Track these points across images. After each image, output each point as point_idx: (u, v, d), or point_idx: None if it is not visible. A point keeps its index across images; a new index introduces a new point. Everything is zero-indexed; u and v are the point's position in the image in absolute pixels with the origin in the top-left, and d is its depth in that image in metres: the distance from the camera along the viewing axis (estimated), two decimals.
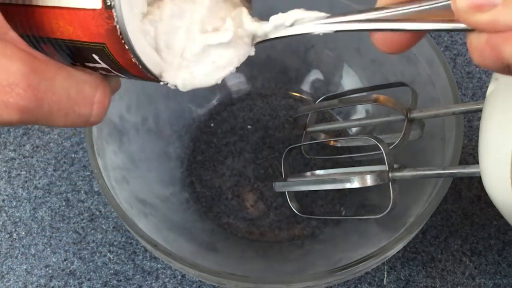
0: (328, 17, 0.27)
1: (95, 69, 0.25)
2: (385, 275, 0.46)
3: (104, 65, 0.24)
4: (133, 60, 0.23)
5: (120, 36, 0.22)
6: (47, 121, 0.23)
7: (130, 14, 0.22)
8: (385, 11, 0.23)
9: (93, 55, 0.23)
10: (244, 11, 0.28)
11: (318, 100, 0.49)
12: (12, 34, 0.22)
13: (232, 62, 0.27)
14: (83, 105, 0.24)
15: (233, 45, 0.27)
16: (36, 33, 0.23)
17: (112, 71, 0.24)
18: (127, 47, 0.22)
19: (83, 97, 0.23)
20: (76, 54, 0.24)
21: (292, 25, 0.28)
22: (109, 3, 0.21)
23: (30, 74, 0.21)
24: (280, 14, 0.28)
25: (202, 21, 0.26)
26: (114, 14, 0.21)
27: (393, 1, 0.23)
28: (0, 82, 0.21)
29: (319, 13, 0.27)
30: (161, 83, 0.26)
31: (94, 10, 0.22)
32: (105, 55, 0.23)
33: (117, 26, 0.22)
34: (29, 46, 0.22)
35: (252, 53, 0.28)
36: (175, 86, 0.26)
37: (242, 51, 0.28)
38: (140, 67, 0.24)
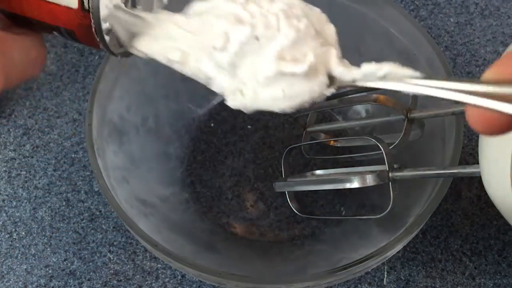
0: (424, 78, 0.24)
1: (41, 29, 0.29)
2: (385, 275, 0.46)
3: (57, 35, 0.28)
4: (98, 44, 0.27)
5: (94, 32, 0.25)
6: (8, 85, 0.28)
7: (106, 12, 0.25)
8: (491, 86, 0.19)
9: (54, 32, 0.27)
10: (333, 52, 0.28)
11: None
12: None
13: (302, 96, 0.27)
14: (33, 66, 0.29)
15: (308, 79, 0.27)
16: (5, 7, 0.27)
17: (66, 39, 0.28)
18: (98, 39, 0.26)
19: (32, 61, 0.29)
20: (33, 25, 0.28)
21: (384, 77, 0.26)
22: (86, 8, 0.24)
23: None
24: (373, 63, 0.26)
25: (282, 50, 0.27)
26: (91, 16, 0.25)
27: (502, 79, 0.19)
28: None
29: (414, 72, 0.25)
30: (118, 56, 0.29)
31: (69, 8, 0.25)
32: (67, 34, 0.27)
33: (93, 25, 0.25)
34: None
35: (328, 93, 0.28)
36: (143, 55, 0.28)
37: (317, 88, 0.27)
38: (103, 47, 0.27)
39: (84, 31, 0.26)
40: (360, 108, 0.51)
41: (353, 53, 0.49)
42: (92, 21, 0.25)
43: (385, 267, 0.46)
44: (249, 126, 0.52)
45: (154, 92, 0.48)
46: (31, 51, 0.29)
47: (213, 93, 0.52)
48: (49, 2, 0.25)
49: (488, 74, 0.19)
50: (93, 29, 0.25)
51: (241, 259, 0.45)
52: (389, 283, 0.46)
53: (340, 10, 0.47)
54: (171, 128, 0.50)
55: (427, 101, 0.42)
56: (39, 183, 0.50)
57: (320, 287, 0.39)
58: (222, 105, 0.53)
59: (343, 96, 0.47)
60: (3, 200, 0.50)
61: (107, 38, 0.26)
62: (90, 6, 0.24)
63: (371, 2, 0.45)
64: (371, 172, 0.40)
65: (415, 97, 0.41)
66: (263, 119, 0.52)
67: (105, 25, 0.26)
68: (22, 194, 0.50)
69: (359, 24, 0.47)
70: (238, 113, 0.53)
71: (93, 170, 0.38)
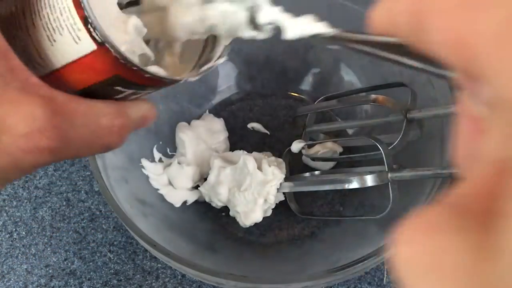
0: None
1: (125, 98, 0.27)
2: (385, 275, 0.46)
3: (129, 91, 0.26)
4: (146, 76, 0.25)
5: (124, 63, 0.24)
6: (75, 155, 0.25)
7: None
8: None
9: (115, 87, 0.26)
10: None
11: (318, 101, 0.49)
12: (34, 80, 0.23)
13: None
14: (103, 136, 0.26)
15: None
16: (63, 89, 0.25)
17: (138, 91, 0.27)
18: (135, 68, 0.24)
19: (102, 129, 0.25)
20: (101, 94, 0.26)
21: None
22: (99, 40, 0.23)
23: (53, 117, 0.23)
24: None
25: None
26: (109, 46, 0.23)
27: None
28: (30, 129, 0.22)
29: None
30: (182, 81, 0.28)
31: (93, 51, 0.24)
32: (124, 83, 0.25)
33: (117, 57, 0.24)
34: (50, 88, 0.24)
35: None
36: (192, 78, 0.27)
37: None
38: (156, 77, 0.26)
39: (120, 65, 0.24)
40: (359, 109, 0.51)
41: (353, 53, 0.50)
42: (112, 50, 0.24)
43: (385, 267, 0.46)
44: (249, 126, 0.52)
45: (153, 92, 0.48)
46: (101, 120, 0.25)
47: (213, 93, 0.53)
48: (80, 59, 0.24)
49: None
50: (121, 60, 0.24)
51: (240, 259, 0.45)
52: (388, 282, 0.46)
53: (340, 10, 0.47)
54: (170, 128, 0.50)
55: (426, 102, 0.42)
56: (39, 183, 0.51)
57: (319, 287, 0.39)
58: (222, 105, 0.53)
59: (342, 97, 0.47)
60: (4, 200, 0.50)
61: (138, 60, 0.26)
62: (100, 38, 0.23)
63: (371, 3, 0.45)
64: (371, 172, 0.40)
65: (414, 98, 0.41)
66: (263, 119, 0.52)
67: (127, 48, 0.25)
68: (22, 194, 0.50)
69: (358, 24, 0.46)
70: (238, 113, 0.53)
71: (92, 170, 0.38)
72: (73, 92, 0.26)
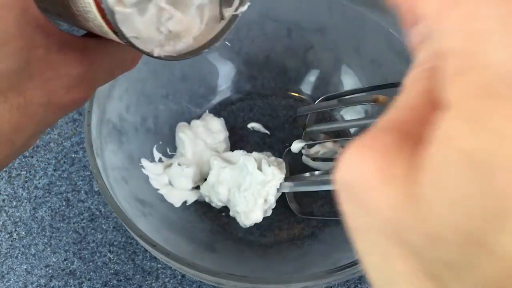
0: None
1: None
2: None
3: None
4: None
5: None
6: (99, 86, 0.30)
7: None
8: None
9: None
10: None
11: (318, 100, 0.49)
12: (67, 36, 0.27)
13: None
14: (124, 66, 0.30)
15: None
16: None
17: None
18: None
19: (125, 61, 0.30)
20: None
21: None
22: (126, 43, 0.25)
23: (87, 71, 0.27)
24: None
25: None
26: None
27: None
28: (69, 87, 0.26)
29: None
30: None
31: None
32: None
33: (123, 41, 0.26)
34: (83, 39, 0.27)
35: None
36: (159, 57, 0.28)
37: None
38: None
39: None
40: (360, 108, 0.51)
41: (353, 53, 0.50)
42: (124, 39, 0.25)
43: None
44: (249, 126, 0.52)
45: (153, 92, 0.48)
46: (126, 54, 0.29)
47: (213, 93, 0.53)
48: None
49: None
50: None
51: (240, 259, 0.45)
52: None
53: (340, 10, 0.47)
54: (170, 128, 0.50)
55: None
56: (39, 183, 0.51)
57: (319, 287, 0.39)
58: (222, 105, 0.53)
59: (342, 97, 0.47)
60: (3, 200, 0.50)
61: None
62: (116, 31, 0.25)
63: (371, 3, 0.45)
64: None
65: None
66: (263, 119, 0.52)
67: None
68: (22, 194, 0.50)
69: (358, 24, 0.47)
70: (238, 113, 0.53)
71: (92, 170, 0.38)
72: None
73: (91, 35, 0.28)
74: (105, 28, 0.25)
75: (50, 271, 0.47)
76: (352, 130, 0.51)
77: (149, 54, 0.27)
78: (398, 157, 0.14)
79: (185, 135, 0.48)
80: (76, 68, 0.27)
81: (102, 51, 0.28)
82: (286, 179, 0.45)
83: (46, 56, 0.26)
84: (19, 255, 0.48)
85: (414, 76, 0.16)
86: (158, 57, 0.27)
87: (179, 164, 0.48)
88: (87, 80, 0.27)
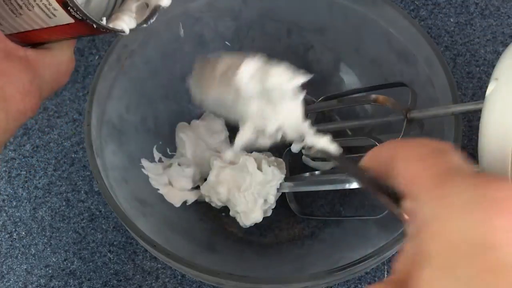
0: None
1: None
2: (385, 275, 0.46)
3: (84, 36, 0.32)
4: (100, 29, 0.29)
5: (94, 26, 0.28)
6: (44, 99, 0.30)
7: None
8: None
9: (74, 38, 0.31)
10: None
11: (318, 100, 0.49)
12: (10, 44, 0.27)
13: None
14: (60, 79, 0.31)
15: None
16: (27, 43, 0.30)
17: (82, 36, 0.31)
18: (102, 30, 0.29)
19: (61, 74, 0.31)
20: (58, 41, 0.31)
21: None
22: (79, 18, 0.27)
23: (34, 79, 0.28)
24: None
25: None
26: (90, 22, 0.27)
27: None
28: (23, 95, 0.27)
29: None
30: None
31: (69, 23, 0.27)
32: (87, 35, 0.30)
33: (96, 26, 0.28)
34: (22, 48, 0.28)
35: None
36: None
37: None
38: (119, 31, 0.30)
39: (91, 29, 0.28)
40: (360, 108, 0.51)
41: (353, 53, 0.50)
42: (93, 24, 0.27)
43: (385, 267, 0.46)
44: None
45: (153, 92, 0.48)
46: (62, 65, 0.31)
47: None
48: (52, 27, 0.28)
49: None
50: (95, 26, 0.28)
51: (240, 259, 0.45)
52: None
53: (340, 10, 0.47)
54: (170, 128, 0.50)
55: (426, 102, 0.42)
56: (39, 183, 0.51)
57: (319, 287, 0.39)
58: None
59: (342, 97, 0.47)
60: (3, 200, 0.50)
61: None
62: (80, 16, 0.27)
63: (371, 3, 0.45)
64: None
65: (415, 98, 0.41)
66: None
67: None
68: (22, 194, 0.50)
69: (358, 24, 0.47)
70: None
71: (92, 170, 0.38)
72: (32, 45, 0.30)
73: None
74: (54, 2, 0.26)
75: (50, 271, 0.47)
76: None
77: (98, 24, 0.28)
78: None
79: (185, 135, 0.48)
80: (26, 74, 0.27)
81: (41, 60, 0.29)
82: (286, 179, 0.45)
83: None
84: (19, 255, 0.48)
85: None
86: (105, 27, 0.29)
87: (179, 164, 0.48)
88: (36, 87, 0.28)
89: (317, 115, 0.50)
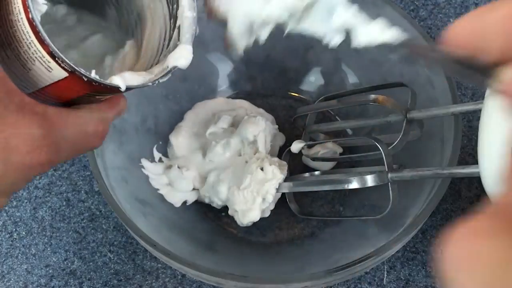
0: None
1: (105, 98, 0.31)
2: (385, 275, 0.46)
3: (108, 95, 0.31)
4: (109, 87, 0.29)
5: (96, 84, 0.28)
6: (65, 159, 0.30)
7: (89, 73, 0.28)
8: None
9: (95, 96, 0.30)
10: None
11: (318, 101, 0.49)
12: (27, 99, 0.27)
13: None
14: (89, 141, 0.30)
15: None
16: (51, 102, 0.29)
17: (117, 93, 0.31)
18: (108, 86, 0.28)
19: (88, 135, 0.30)
20: (85, 101, 0.30)
21: None
22: (69, 70, 0.27)
23: (48, 133, 0.27)
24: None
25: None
26: (78, 74, 0.27)
27: None
28: (31, 148, 0.26)
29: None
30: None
31: (66, 77, 0.27)
32: (100, 93, 0.30)
33: (89, 80, 0.27)
34: (42, 104, 0.27)
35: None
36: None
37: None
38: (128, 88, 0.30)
39: (88, 85, 0.28)
40: (360, 109, 0.51)
41: (353, 53, 0.50)
42: (83, 76, 0.27)
43: (385, 267, 0.46)
44: None
45: (153, 92, 0.48)
46: (88, 126, 0.30)
47: (213, 93, 0.53)
48: (56, 82, 0.28)
49: None
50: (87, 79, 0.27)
51: (240, 259, 0.45)
52: (389, 282, 0.46)
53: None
54: (170, 128, 0.50)
55: (426, 102, 0.42)
56: (39, 183, 0.51)
57: (319, 287, 0.39)
58: None
59: (342, 97, 0.47)
60: None
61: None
62: (67, 67, 0.27)
63: (371, 3, 0.45)
64: (371, 172, 0.40)
65: (414, 98, 0.41)
66: None
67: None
68: (22, 194, 0.50)
69: None
70: None
71: (92, 170, 0.38)
72: (60, 103, 0.29)
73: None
74: (44, 53, 0.26)
75: (50, 271, 0.47)
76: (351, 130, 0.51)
77: (87, 76, 0.27)
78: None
79: (176, 140, 0.49)
80: (38, 128, 0.26)
81: (63, 118, 0.28)
82: (285, 179, 0.45)
83: (3, 112, 0.25)
84: (20, 255, 0.48)
85: None
86: (96, 81, 0.28)
87: (178, 167, 0.48)
88: (50, 143, 0.27)
89: (317, 115, 0.50)
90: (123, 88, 0.29)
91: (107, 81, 0.28)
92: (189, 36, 0.31)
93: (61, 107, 0.29)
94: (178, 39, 0.31)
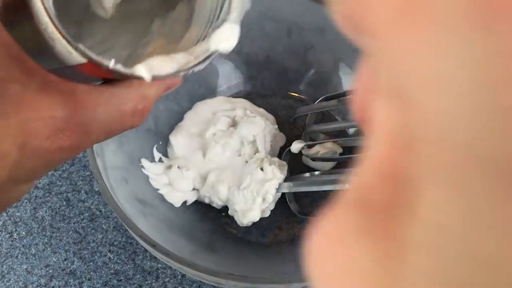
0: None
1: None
2: None
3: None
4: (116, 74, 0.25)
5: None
6: (95, 142, 0.27)
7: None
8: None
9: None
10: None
11: (317, 101, 0.49)
12: (52, 77, 0.24)
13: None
14: (126, 121, 0.27)
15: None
16: (83, 81, 0.26)
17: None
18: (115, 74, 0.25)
19: (125, 115, 0.26)
20: (121, 79, 0.26)
21: None
22: (86, 60, 0.24)
23: (74, 114, 0.24)
24: None
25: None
26: (96, 64, 0.24)
27: None
28: (53, 131, 0.23)
29: None
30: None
31: (87, 62, 0.24)
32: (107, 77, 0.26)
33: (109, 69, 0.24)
34: (70, 82, 0.24)
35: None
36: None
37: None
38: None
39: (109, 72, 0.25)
40: None
41: (353, 53, 0.50)
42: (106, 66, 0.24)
43: None
44: None
45: None
46: (125, 104, 0.26)
47: (213, 94, 0.53)
48: (79, 65, 0.25)
49: None
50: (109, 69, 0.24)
51: (240, 259, 0.45)
52: None
53: None
54: (170, 128, 0.50)
55: None
56: (39, 183, 0.51)
57: None
58: None
59: (342, 97, 0.47)
60: None
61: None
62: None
63: None
64: None
65: None
66: None
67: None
68: None
69: None
70: None
71: (92, 170, 0.38)
72: (94, 81, 0.26)
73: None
74: (57, 35, 0.23)
75: (50, 271, 0.47)
76: (351, 130, 0.51)
77: (102, 64, 0.24)
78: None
79: (175, 140, 0.49)
80: (62, 110, 0.24)
81: (94, 97, 0.25)
82: (285, 179, 0.45)
83: (23, 93, 0.23)
84: (20, 255, 0.48)
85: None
86: (116, 71, 0.24)
87: (178, 167, 0.48)
88: (76, 126, 0.24)
89: (317, 115, 0.50)
90: (148, 79, 0.24)
91: (129, 71, 0.24)
92: (237, 14, 0.26)
93: (94, 85, 0.25)
94: (228, 12, 0.26)
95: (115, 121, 0.26)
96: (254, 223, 0.45)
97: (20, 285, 0.47)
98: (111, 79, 0.26)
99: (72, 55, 0.24)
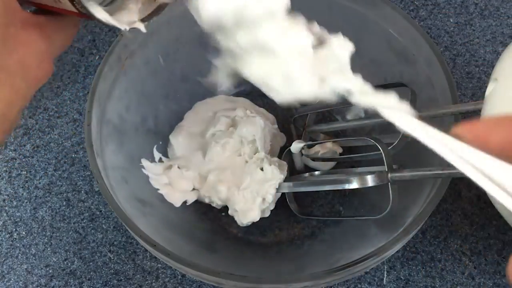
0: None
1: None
2: (385, 275, 0.46)
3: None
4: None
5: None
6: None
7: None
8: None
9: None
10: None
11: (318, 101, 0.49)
12: (25, 14, 0.28)
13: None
14: (69, 43, 0.32)
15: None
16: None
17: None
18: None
19: (70, 38, 0.31)
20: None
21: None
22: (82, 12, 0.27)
23: (48, 48, 0.29)
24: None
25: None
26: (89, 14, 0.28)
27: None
28: (39, 61, 0.28)
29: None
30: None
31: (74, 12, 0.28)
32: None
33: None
34: (36, 16, 0.28)
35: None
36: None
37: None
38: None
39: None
40: (359, 108, 0.51)
41: (352, 53, 0.50)
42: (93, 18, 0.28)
43: (385, 267, 0.46)
44: None
45: (153, 92, 0.48)
46: (68, 30, 0.31)
47: (213, 94, 0.53)
48: (61, 9, 0.29)
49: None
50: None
51: (240, 259, 0.45)
52: (389, 282, 0.46)
53: (340, 10, 0.47)
54: (170, 128, 0.50)
55: (426, 102, 0.42)
56: (39, 183, 0.51)
57: (319, 287, 0.39)
58: None
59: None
60: (4, 200, 0.50)
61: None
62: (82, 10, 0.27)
63: (371, 3, 0.45)
64: (370, 172, 0.40)
65: (414, 98, 0.41)
66: None
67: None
68: (22, 194, 0.50)
69: (358, 24, 0.47)
70: None
71: (92, 170, 0.38)
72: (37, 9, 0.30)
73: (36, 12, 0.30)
74: None
75: (50, 271, 0.47)
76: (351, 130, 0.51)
77: (91, 15, 0.28)
78: None
79: (176, 141, 0.49)
80: (42, 42, 0.28)
81: (52, 26, 0.30)
82: (285, 179, 0.45)
83: (16, 33, 0.27)
84: (20, 255, 0.48)
85: None
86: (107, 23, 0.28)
87: (178, 167, 0.48)
88: (49, 54, 0.29)
89: (317, 115, 0.50)
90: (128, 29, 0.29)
91: (119, 23, 0.29)
92: None
93: (46, 15, 0.30)
94: None
95: (64, 45, 0.31)
96: (254, 223, 0.45)
97: (20, 285, 0.47)
98: (44, 9, 0.30)
99: (61, 3, 0.27)
